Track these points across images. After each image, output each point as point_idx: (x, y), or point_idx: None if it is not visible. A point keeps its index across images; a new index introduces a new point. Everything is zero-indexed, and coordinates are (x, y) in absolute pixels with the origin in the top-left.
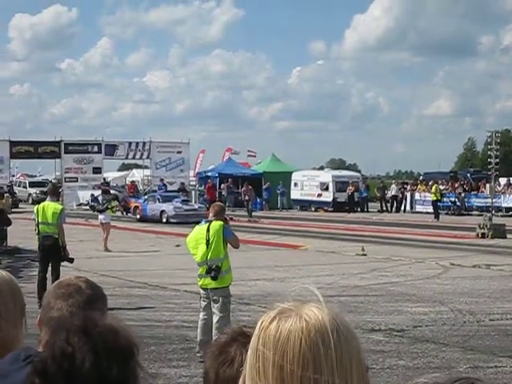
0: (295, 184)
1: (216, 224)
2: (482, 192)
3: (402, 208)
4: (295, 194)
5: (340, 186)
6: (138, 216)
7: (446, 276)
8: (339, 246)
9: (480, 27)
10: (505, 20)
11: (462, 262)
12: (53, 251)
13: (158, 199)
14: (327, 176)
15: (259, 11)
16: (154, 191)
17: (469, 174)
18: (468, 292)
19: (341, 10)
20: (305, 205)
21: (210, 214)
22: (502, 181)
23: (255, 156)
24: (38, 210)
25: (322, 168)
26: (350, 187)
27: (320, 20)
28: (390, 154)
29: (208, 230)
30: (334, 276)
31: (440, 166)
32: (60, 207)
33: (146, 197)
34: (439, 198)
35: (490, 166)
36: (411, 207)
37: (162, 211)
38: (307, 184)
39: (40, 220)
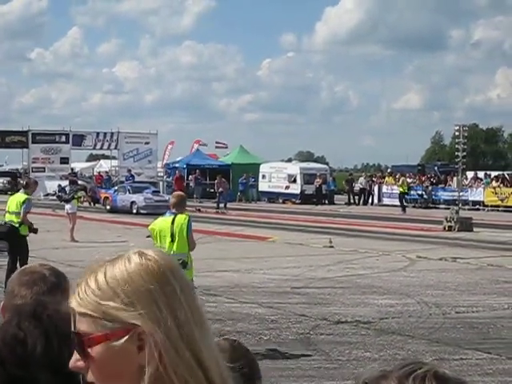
0: (263, 176)
1: (181, 217)
2: (449, 185)
3: (370, 201)
4: (263, 185)
5: (308, 178)
6: (108, 207)
7: (412, 268)
8: (307, 238)
9: (450, 21)
10: (475, 14)
11: (429, 254)
12: (8, 238)
13: (129, 190)
14: (295, 168)
15: (231, 3)
16: (122, 182)
17: (436, 168)
18: (434, 284)
19: (312, 2)
20: (272, 197)
21: (171, 206)
22: (470, 174)
23: (226, 147)
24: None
25: (289, 160)
26: (318, 179)
27: (291, 12)
28: (358, 147)
29: (173, 223)
30: (301, 268)
31: (408, 160)
32: (24, 197)
33: (116, 187)
34: (406, 190)
35: (457, 160)
36: (379, 200)
37: (133, 202)
38: (275, 176)
39: (6, 210)
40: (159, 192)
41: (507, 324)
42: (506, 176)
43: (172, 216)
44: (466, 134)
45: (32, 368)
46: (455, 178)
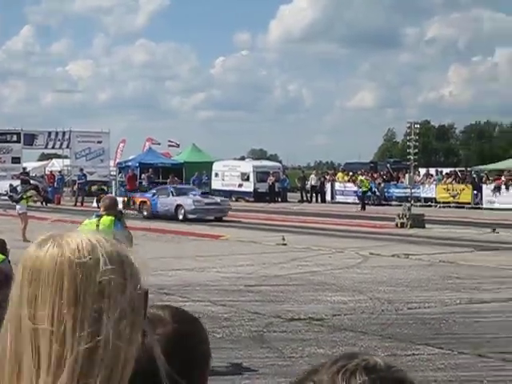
0: (216, 174)
1: (106, 219)
2: (402, 182)
3: (323, 198)
4: (216, 184)
5: (261, 176)
6: (146, 212)
7: (365, 265)
8: (260, 235)
9: (405, 19)
10: (430, 12)
11: (381, 251)
12: None
13: (172, 192)
14: (248, 166)
15: (184, 1)
16: (74, 181)
17: (388, 165)
18: (387, 281)
19: (266, 0)
20: (226, 195)
21: (101, 209)
22: (422, 171)
23: (178, 146)
24: None
25: (243, 158)
26: (271, 177)
27: (245, 10)
28: (311, 145)
29: (98, 226)
30: (254, 266)
31: (360, 157)
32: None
33: (154, 190)
34: (368, 188)
35: (408, 157)
36: (331, 197)
37: (178, 206)
38: (228, 174)
39: None
40: (209, 194)
41: (459, 319)
42: (458, 173)
43: (97, 219)
44: (417, 131)
45: None
46: (407, 175)
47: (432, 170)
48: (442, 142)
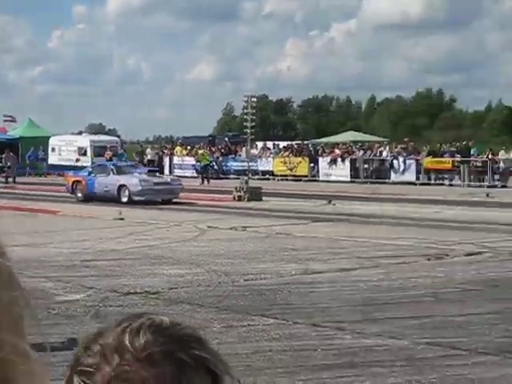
0: (53, 149)
1: None
2: (240, 156)
3: (162, 172)
4: (53, 159)
5: (98, 150)
6: (80, 194)
7: (202, 238)
8: (96, 210)
9: None
10: None
11: (219, 224)
12: None
13: (112, 171)
14: (85, 141)
15: None
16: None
17: (227, 138)
18: (224, 253)
19: None
20: (63, 170)
21: None
22: (260, 145)
23: (14, 121)
24: None
25: (80, 133)
26: (108, 152)
27: None
28: (151, 119)
29: None
30: (91, 241)
31: (199, 131)
32: None
33: (90, 168)
34: (209, 161)
35: (246, 130)
36: (170, 171)
37: (122, 186)
38: (65, 149)
39: None
40: (156, 171)
41: (294, 290)
42: (295, 146)
43: None
44: (254, 105)
45: None
46: (244, 148)
47: (269, 144)
48: (280, 115)
